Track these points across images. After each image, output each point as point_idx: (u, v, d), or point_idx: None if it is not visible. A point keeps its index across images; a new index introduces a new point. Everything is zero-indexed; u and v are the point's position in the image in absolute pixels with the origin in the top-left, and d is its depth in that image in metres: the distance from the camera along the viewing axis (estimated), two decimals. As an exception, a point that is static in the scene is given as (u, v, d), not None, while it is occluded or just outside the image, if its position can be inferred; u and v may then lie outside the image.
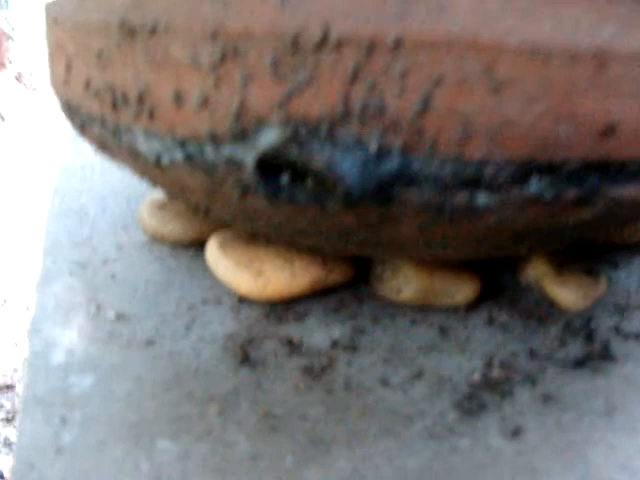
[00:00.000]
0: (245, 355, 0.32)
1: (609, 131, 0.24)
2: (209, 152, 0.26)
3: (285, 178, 0.25)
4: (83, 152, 0.54)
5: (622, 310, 0.37)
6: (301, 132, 0.24)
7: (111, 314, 0.34)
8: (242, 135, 0.25)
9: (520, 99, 0.23)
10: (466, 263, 0.36)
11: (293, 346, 0.33)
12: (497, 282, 0.39)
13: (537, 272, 0.36)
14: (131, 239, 0.41)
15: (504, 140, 0.24)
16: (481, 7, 0.23)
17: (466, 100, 0.23)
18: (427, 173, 0.24)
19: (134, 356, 0.32)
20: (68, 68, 0.30)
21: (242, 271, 0.35)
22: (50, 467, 0.25)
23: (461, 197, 0.25)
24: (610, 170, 0.25)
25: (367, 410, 0.29)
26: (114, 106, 0.28)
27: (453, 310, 0.36)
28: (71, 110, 0.32)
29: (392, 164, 0.24)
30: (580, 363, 0.32)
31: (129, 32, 0.26)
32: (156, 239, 0.40)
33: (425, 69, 0.23)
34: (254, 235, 0.36)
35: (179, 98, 0.26)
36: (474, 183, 0.25)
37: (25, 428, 0.27)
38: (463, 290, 0.35)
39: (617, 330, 0.35)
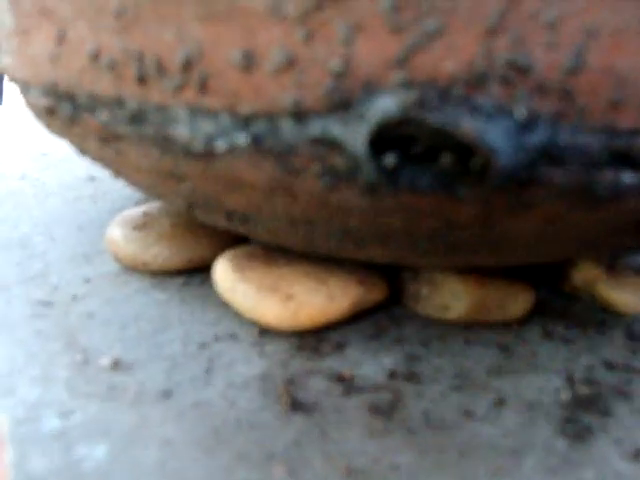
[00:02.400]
0: (293, 398, 0.25)
1: None
2: (288, 131, 0.20)
3: (398, 158, 0.19)
4: (9, 178, 0.44)
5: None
6: (429, 97, 0.19)
7: (105, 361, 0.26)
8: (344, 105, 0.19)
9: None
10: (510, 272, 0.32)
11: (346, 382, 0.27)
12: (540, 291, 0.35)
13: (587, 277, 0.33)
14: (97, 270, 0.33)
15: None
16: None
17: (623, 55, 0.19)
18: (576, 146, 0.20)
19: (151, 413, 0.24)
20: (60, 38, 0.23)
21: (267, 296, 0.28)
22: None
23: (608, 176, 0.20)
24: None
25: (465, 449, 0.24)
26: (141, 80, 0.21)
27: (503, 325, 0.32)
28: (58, 96, 0.24)
29: (540, 136, 0.19)
30: (663, 371, 0.29)
31: (174, -24, 0.20)
32: (134, 267, 0.32)
33: (579, 16, 0.18)
34: (272, 252, 0.30)
35: (249, 60, 0.20)
36: (622, 158, 0.20)
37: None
38: (518, 302, 0.31)
39: (682, 332, 0.32)
